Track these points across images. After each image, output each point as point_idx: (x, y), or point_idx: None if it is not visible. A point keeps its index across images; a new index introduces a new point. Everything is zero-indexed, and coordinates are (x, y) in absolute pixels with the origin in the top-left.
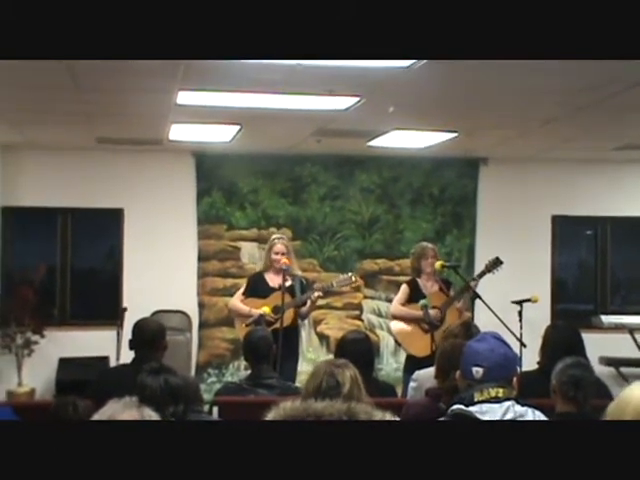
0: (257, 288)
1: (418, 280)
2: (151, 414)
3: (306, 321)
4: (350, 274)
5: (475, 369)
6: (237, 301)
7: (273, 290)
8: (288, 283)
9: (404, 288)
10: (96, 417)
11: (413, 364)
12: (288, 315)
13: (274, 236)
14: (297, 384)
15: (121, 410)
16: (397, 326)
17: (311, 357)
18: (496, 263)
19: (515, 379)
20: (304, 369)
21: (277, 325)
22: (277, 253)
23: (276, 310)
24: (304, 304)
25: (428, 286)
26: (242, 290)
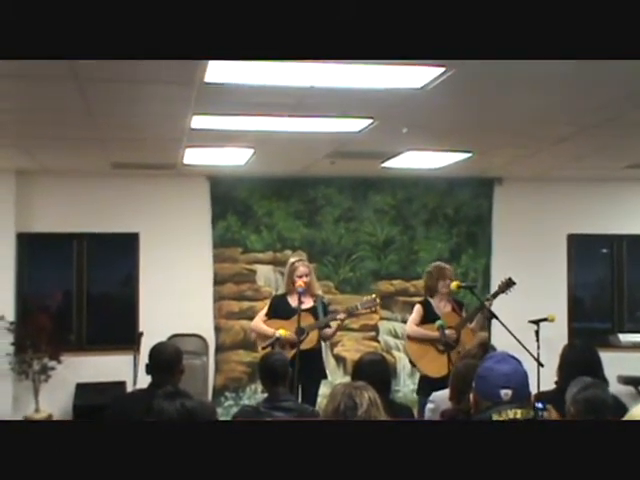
0: (279, 310)
1: (431, 300)
2: None
3: (323, 343)
4: (374, 296)
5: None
6: (259, 322)
7: (295, 312)
8: (310, 304)
9: (418, 308)
10: None
11: (428, 385)
12: (311, 337)
13: (293, 259)
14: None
15: None
16: (412, 347)
17: (328, 379)
18: (509, 284)
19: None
20: (321, 391)
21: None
22: (300, 276)
23: (299, 332)
24: (327, 326)
25: (441, 306)
26: (264, 311)
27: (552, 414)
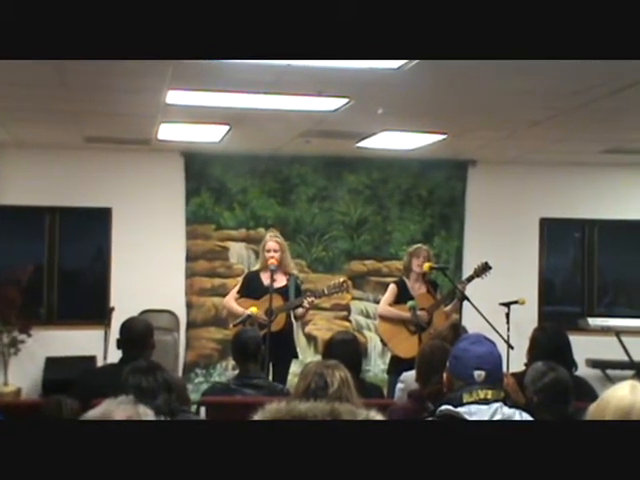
0: (251, 287)
1: (406, 280)
2: (147, 412)
3: (295, 322)
4: (342, 280)
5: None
6: (231, 300)
7: (267, 290)
8: (283, 283)
9: (392, 288)
10: (90, 414)
11: (398, 365)
12: (279, 320)
13: (268, 234)
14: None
15: (116, 407)
16: (383, 326)
17: (299, 358)
18: (485, 268)
19: (507, 381)
20: (292, 369)
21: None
22: (269, 251)
23: (268, 313)
24: (298, 307)
25: (416, 287)
26: (237, 288)
27: (509, 380)
